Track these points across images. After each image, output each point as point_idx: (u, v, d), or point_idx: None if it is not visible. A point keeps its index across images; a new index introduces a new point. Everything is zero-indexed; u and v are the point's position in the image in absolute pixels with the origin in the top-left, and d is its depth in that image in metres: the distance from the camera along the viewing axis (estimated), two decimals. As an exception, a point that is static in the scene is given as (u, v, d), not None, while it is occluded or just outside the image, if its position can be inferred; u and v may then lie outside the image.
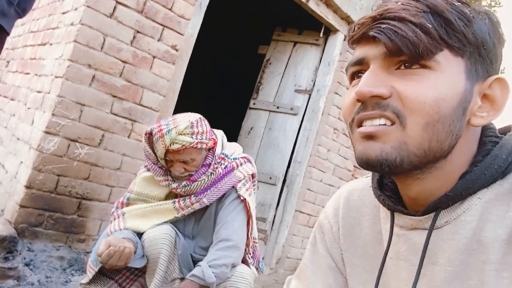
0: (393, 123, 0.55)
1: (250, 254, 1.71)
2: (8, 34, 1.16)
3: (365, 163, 0.57)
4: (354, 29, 0.60)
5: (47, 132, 2.16)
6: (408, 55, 0.54)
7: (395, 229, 0.63)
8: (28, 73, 2.71)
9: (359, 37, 0.58)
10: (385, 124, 0.55)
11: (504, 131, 0.62)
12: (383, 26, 0.54)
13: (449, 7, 0.55)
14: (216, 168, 1.67)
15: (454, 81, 0.55)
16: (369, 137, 0.56)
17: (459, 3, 0.56)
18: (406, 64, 0.55)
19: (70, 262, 2.24)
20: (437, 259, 0.58)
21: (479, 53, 0.56)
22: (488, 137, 0.59)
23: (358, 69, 0.60)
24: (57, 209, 2.26)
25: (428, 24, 0.53)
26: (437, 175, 0.57)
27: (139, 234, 1.64)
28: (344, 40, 3.64)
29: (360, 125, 0.57)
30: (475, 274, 0.54)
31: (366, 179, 0.75)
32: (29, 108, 2.48)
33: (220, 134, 1.78)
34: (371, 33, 0.56)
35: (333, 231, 0.76)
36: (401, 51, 0.53)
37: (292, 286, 0.79)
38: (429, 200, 0.59)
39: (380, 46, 0.56)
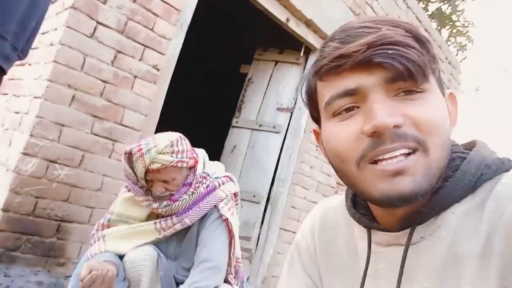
0: (414, 151, 0.54)
1: (232, 274, 1.69)
2: (6, 74, 1.17)
3: (397, 200, 0.53)
4: (335, 58, 0.56)
5: (25, 154, 2.12)
6: (417, 79, 0.54)
7: (372, 246, 0.64)
8: (6, 94, 2.66)
9: (352, 65, 0.55)
10: (407, 153, 0.53)
11: (469, 146, 0.63)
12: (390, 51, 0.53)
13: (419, 31, 0.57)
14: (198, 187, 1.66)
15: (441, 98, 0.59)
16: (397, 173, 0.53)
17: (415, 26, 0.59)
18: (404, 91, 0.55)
19: (49, 287, 2.16)
20: (414, 275, 0.58)
21: (438, 71, 0.60)
22: (455, 153, 0.61)
23: (349, 101, 0.57)
24: (35, 233, 2.20)
25: (419, 48, 0.55)
26: None
27: (120, 257, 1.61)
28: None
29: (373, 160, 0.55)
30: None
31: (339, 197, 0.75)
32: (6, 129, 2.43)
33: (201, 153, 1.78)
34: (377, 59, 0.53)
35: (309, 250, 0.75)
36: (410, 75, 0.53)
37: None
38: (405, 216, 0.59)
39: (378, 73, 0.54)
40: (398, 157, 0.54)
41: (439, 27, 12.06)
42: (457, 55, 12.71)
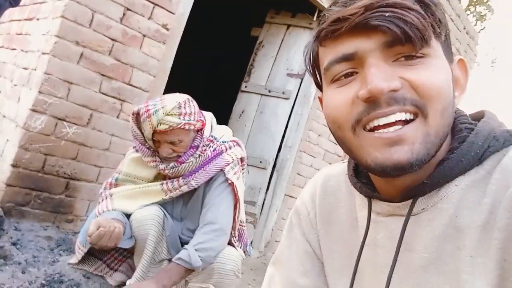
0: (415, 115, 0.52)
1: (235, 237, 1.72)
2: None
3: (392, 169, 0.52)
4: (332, 21, 0.54)
5: (33, 110, 2.12)
6: (415, 42, 0.52)
7: (372, 216, 0.63)
8: (14, 49, 2.64)
9: (350, 29, 0.53)
10: (404, 120, 0.52)
11: (477, 117, 0.61)
12: (387, 14, 0.51)
13: None
14: (205, 150, 1.65)
15: (445, 64, 0.56)
16: (395, 142, 0.52)
17: None
18: (405, 56, 0.53)
19: (57, 242, 2.22)
20: (413, 245, 0.58)
21: (445, 36, 0.57)
22: (463, 124, 0.59)
23: (347, 66, 0.56)
24: (45, 189, 2.23)
25: (421, 10, 0.52)
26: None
27: (127, 215, 1.63)
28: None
29: (368, 125, 0.54)
30: (451, 260, 0.54)
31: (342, 164, 0.74)
32: (15, 85, 2.42)
33: (209, 116, 1.76)
34: (374, 22, 0.51)
35: (310, 216, 0.75)
36: (408, 38, 0.51)
37: (268, 272, 0.78)
38: (405, 188, 0.59)
39: (376, 37, 0.53)
40: (396, 125, 0.52)
41: (459, -5, 11.61)
42: (475, 25, 12.30)
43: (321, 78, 0.63)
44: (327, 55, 0.57)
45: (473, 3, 12.47)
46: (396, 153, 0.52)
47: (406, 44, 0.52)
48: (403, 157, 0.52)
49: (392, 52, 0.53)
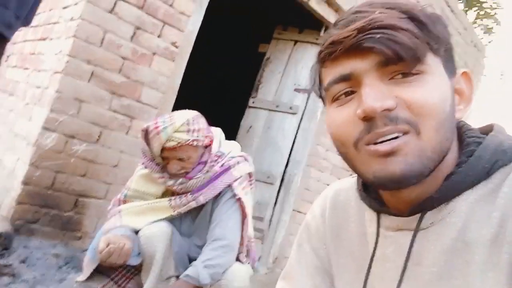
0: (406, 133, 0.53)
1: (244, 253, 1.71)
2: (9, 41, 1.19)
3: (389, 181, 0.54)
4: (329, 44, 0.57)
5: (45, 128, 2.15)
6: (408, 61, 0.53)
7: (381, 230, 0.63)
8: (27, 68, 2.69)
9: (345, 50, 0.55)
10: (397, 137, 0.53)
11: (486, 130, 0.62)
12: (377, 36, 0.53)
13: (419, 11, 0.56)
14: (213, 166, 1.66)
15: (443, 80, 0.57)
16: (391, 153, 0.54)
17: (420, 6, 0.57)
18: (402, 73, 0.55)
19: (66, 259, 2.22)
20: (422, 260, 0.58)
21: (446, 51, 0.58)
22: (471, 138, 0.59)
23: (345, 86, 0.57)
24: (54, 206, 2.25)
25: (414, 30, 0.54)
26: (430, 177, 0.57)
27: (136, 232, 1.63)
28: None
29: (369, 143, 0.55)
30: (460, 274, 0.54)
31: (352, 179, 0.75)
32: (27, 104, 2.47)
33: (217, 132, 1.78)
34: (365, 44, 0.53)
35: (319, 231, 0.75)
36: (400, 58, 0.53)
37: (278, 287, 0.78)
38: (413, 202, 0.59)
39: (370, 58, 0.54)
40: (394, 141, 0.54)
41: (466, 9, 11.64)
42: (482, 38, 12.28)
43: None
44: (327, 75, 0.59)
45: (480, 17, 12.51)
46: (391, 164, 0.53)
47: (399, 63, 0.54)
48: (398, 168, 0.53)
49: (387, 70, 0.55)
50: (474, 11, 12.29)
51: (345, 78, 0.57)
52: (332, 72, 0.58)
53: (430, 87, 0.54)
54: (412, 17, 0.55)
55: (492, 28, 12.65)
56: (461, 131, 0.61)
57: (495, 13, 12.34)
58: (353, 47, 0.54)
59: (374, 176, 0.55)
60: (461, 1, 11.28)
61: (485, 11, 12.31)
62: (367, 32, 0.54)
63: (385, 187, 0.57)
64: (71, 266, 2.20)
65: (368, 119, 0.54)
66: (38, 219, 2.21)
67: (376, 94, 0.54)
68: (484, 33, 12.57)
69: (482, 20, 12.51)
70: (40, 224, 2.22)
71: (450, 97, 0.57)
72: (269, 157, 3.67)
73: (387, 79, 0.55)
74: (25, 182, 2.14)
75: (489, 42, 12.80)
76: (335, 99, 0.59)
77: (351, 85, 0.57)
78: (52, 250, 2.20)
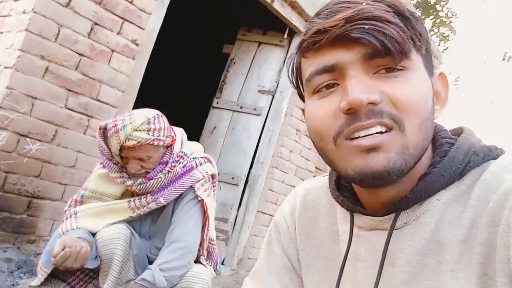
0: (390, 129, 0.53)
1: (204, 256, 1.68)
2: None
3: (370, 177, 0.53)
4: (313, 33, 0.55)
5: (-6, 126, 2.03)
6: (395, 55, 0.52)
7: (354, 230, 0.63)
8: (-25, 63, 2.54)
9: (331, 40, 0.53)
10: (382, 132, 0.52)
11: (457, 132, 0.62)
12: (366, 26, 0.52)
13: (403, 7, 0.55)
14: (174, 166, 1.62)
15: (425, 78, 0.56)
16: (371, 149, 0.52)
17: (403, 3, 0.56)
18: (386, 68, 0.54)
19: (18, 264, 2.11)
20: (395, 260, 0.57)
21: (427, 49, 0.58)
22: (444, 139, 0.59)
23: (328, 78, 0.56)
24: (5, 208, 2.13)
25: (400, 24, 0.53)
26: (406, 176, 0.56)
27: (93, 234, 1.57)
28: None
29: (349, 137, 0.54)
30: (432, 274, 0.54)
31: (323, 178, 0.74)
32: (-25, 100, 2.33)
33: (179, 132, 1.74)
34: (353, 34, 0.52)
35: (289, 230, 0.74)
36: (387, 52, 0.52)
37: (246, 287, 0.76)
38: (387, 202, 0.59)
39: (356, 49, 0.53)
40: (374, 134, 0.53)
41: (423, 17, 12.15)
42: (439, 45, 12.86)
43: (303, 89, 0.63)
44: (309, 66, 0.58)
45: (436, 25, 13.09)
46: (373, 160, 0.52)
47: (386, 56, 0.53)
48: (380, 165, 0.52)
49: (372, 64, 0.54)
50: (431, 19, 12.85)
51: (328, 69, 0.55)
52: (314, 63, 0.56)
53: (414, 84, 0.54)
54: (398, 12, 0.54)
55: (448, 36, 13.27)
56: (434, 131, 0.61)
57: (451, 22, 12.95)
58: (339, 37, 0.53)
59: (355, 171, 0.54)
60: (418, 9, 11.76)
61: (441, 20, 12.89)
62: (355, 23, 0.52)
63: (365, 183, 0.55)
64: (24, 271, 2.09)
65: (352, 112, 0.53)
66: (-14, 223, 2.08)
67: (362, 86, 0.52)
68: (440, 40, 13.16)
69: (438, 28, 13.09)
70: (-11, 228, 2.09)
71: (431, 96, 0.57)
72: (233, 158, 3.66)
73: (372, 73, 0.54)
74: (-28, 184, 2.01)
75: (445, 49, 13.41)
76: (316, 91, 0.57)
77: (334, 76, 0.55)
78: (2, 254, 2.08)
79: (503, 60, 14.97)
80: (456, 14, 13.02)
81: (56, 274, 1.60)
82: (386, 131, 0.53)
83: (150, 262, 1.63)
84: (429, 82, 0.57)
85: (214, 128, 3.78)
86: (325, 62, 0.55)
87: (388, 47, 0.51)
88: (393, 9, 0.54)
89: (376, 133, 0.53)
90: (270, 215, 3.76)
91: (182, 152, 1.67)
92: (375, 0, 0.55)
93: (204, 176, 1.65)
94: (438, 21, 12.90)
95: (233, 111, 3.73)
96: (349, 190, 0.65)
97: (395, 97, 0.53)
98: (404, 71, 0.54)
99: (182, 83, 6.37)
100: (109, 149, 1.57)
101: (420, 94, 0.54)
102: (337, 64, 0.54)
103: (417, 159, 0.55)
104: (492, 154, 0.57)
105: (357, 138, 0.53)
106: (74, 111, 2.28)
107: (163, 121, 1.61)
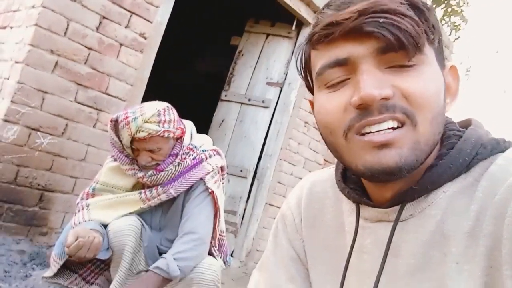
0: (403, 124, 0.52)
1: (216, 247, 1.69)
2: None
3: (381, 173, 0.52)
4: (325, 25, 0.54)
5: (6, 120, 2.06)
6: (409, 49, 0.51)
7: (360, 221, 0.63)
8: (-14, 58, 2.57)
9: (344, 33, 0.52)
10: (394, 127, 0.52)
11: (465, 125, 0.62)
12: (381, 20, 0.50)
13: None
14: (184, 158, 1.63)
15: (437, 72, 0.56)
16: (383, 145, 0.52)
17: None
18: (398, 63, 0.53)
19: (31, 256, 2.15)
20: (400, 252, 0.57)
21: (439, 41, 0.57)
22: (451, 131, 0.59)
23: (339, 71, 0.55)
24: (17, 201, 2.16)
25: (414, 17, 0.52)
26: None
27: (105, 226, 1.59)
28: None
29: (360, 132, 0.53)
30: (437, 266, 0.54)
31: (329, 170, 0.74)
32: (-14, 95, 2.36)
33: (189, 124, 1.75)
34: (367, 28, 0.51)
35: (295, 222, 0.74)
36: (401, 46, 0.51)
37: (253, 278, 0.77)
38: (394, 194, 0.58)
39: (370, 43, 0.52)
40: (386, 130, 0.52)
41: (434, 6, 11.96)
42: (450, 34, 12.67)
43: (312, 81, 0.62)
44: (320, 59, 0.57)
45: (447, 14, 12.88)
46: (385, 156, 0.52)
47: (399, 51, 0.52)
48: (392, 161, 0.52)
49: (385, 58, 0.53)
50: (442, 8, 12.66)
51: (340, 63, 0.54)
52: (326, 56, 0.55)
53: (427, 78, 0.53)
54: (412, 4, 0.53)
55: (459, 25, 13.06)
56: None
57: (462, 11, 12.74)
58: (353, 31, 0.52)
59: (365, 167, 0.53)
60: (428, -2, 11.57)
61: (452, 8, 12.69)
62: (369, 16, 0.51)
63: (375, 179, 0.55)
64: (36, 262, 2.12)
65: (364, 107, 0.52)
66: (0, 215, 2.12)
67: (374, 81, 0.52)
68: (451, 30, 12.97)
69: (449, 17, 12.89)
70: (3, 220, 2.13)
71: (443, 89, 0.56)
72: (241, 151, 3.66)
73: (384, 67, 0.53)
74: (-15, 177, 2.04)
75: (456, 38, 13.22)
76: (327, 84, 0.57)
77: (346, 70, 0.55)
78: (16, 246, 2.12)
79: (515, 49, 14.69)
80: (467, 3, 12.80)
81: (68, 265, 1.62)
82: (398, 127, 0.52)
83: (161, 254, 1.65)
84: (441, 76, 0.56)
85: (222, 121, 3.78)
86: (337, 55, 0.54)
87: (403, 41, 0.50)
88: (407, 1, 0.53)
89: (388, 128, 0.52)
90: (278, 207, 3.77)
91: (192, 145, 1.68)
92: None
93: (213, 168, 1.66)
94: (449, 10, 12.70)
95: (241, 103, 3.73)
96: (356, 182, 0.65)
97: (408, 92, 0.52)
98: (417, 65, 0.53)
99: (191, 75, 6.38)
100: (120, 141, 1.59)
101: (433, 89, 0.53)
102: (349, 57, 0.53)
103: (428, 154, 0.55)
104: (500, 147, 0.56)
105: (368, 133, 0.53)
106: (84, 105, 2.30)
107: (173, 113, 1.62)
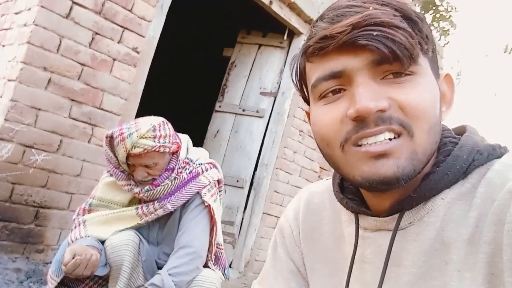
0: (399, 135, 0.52)
1: (212, 261, 1.69)
2: None
3: (379, 183, 0.53)
4: (319, 39, 0.54)
5: (0, 138, 2.05)
6: (403, 61, 0.52)
7: (360, 231, 0.63)
8: (-22, 77, 2.57)
9: (338, 46, 0.53)
10: (391, 139, 0.52)
11: (460, 131, 0.62)
12: (374, 33, 0.51)
13: (410, 9, 0.54)
14: (180, 173, 1.63)
15: (433, 81, 0.56)
16: (380, 155, 0.52)
17: (409, 4, 0.56)
18: (393, 73, 0.53)
19: (27, 274, 2.13)
20: (401, 261, 0.57)
21: (433, 51, 0.57)
22: (447, 138, 0.59)
23: (335, 84, 0.55)
24: (12, 219, 2.14)
25: (408, 29, 0.52)
26: None
27: (102, 242, 1.58)
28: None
29: (356, 143, 0.54)
30: (438, 274, 0.53)
31: (326, 181, 0.74)
32: (-20, 113, 2.35)
33: (185, 138, 1.75)
34: (361, 41, 0.51)
35: (293, 234, 0.74)
36: (395, 58, 0.51)
37: None
38: (392, 202, 0.58)
39: (364, 55, 0.52)
40: (383, 140, 0.52)
41: (422, 12, 12.11)
42: (439, 40, 12.82)
43: (308, 93, 0.63)
44: (315, 71, 0.57)
45: (436, 19, 13.05)
46: (383, 167, 0.52)
47: (394, 62, 0.52)
48: (389, 171, 0.52)
49: (380, 70, 0.53)
50: (430, 14, 12.82)
51: (335, 75, 0.54)
52: (321, 68, 0.56)
53: (422, 89, 0.53)
54: (406, 16, 0.53)
55: (448, 30, 13.22)
56: None
57: (450, 16, 12.91)
58: (347, 44, 0.52)
59: (363, 178, 0.54)
60: (417, 4, 11.73)
61: (441, 14, 12.85)
62: (362, 29, 0.51)
63: (373, 189, 0.55)
64: (33, 280, 2.10)
65: (360, 119, 0.52)
66: (-5, 234, 2.10)
67: (370, 93, 0.52)
68: (440, 35, 13.12)
69: (438, 22, 13.05)
70: (-2, 239, 2.11)
71: (438, 99, 0.56)
72: (237, 161, 3.66)
73: (379, 79, 0.53)
74: (-20, 196, 2.03)
75: (446, 43, 13.37)
76: (322, 96, 0.57)
77: (341, 82, 0.55)
78: (12, 264, 2.10)
79: (504, 52, 14.90)
80: (455, 8, 12.98)
81: (65, 282, 1.61)
82: (394, 137, 0.52)
83: (159, 268, 1.64)
84: (436, 85, 0.57)
85: (217, 132, 3.79)
86: (332, 68, 0.54)
87: (397, 53, 0.51)
88: (401, 12, 0.53)
89: (385, 139, 0.52)
90: (276, 216, 3.77)
91: (188, 159, 1.68)
92: (382, 4, 0.54)
93: (210, 182, 1.66)
94: (438, 15, 12.86)
95: (236, 114, 3.74)
96: (354, 193, 0.65)
97: (404, 103, 0.52)
98: (411, 76, 0.53)
99: (184, 88, 6.39)
100: (116, 157, 1.59)
101: (428, 99, 0.54)
102: (344, 70, 0.54)
103: (425, 163, 0.55)
104: (496, 153, 0.56)
105: (365, 144, 0.53)
106: (78, 121, 2.30)
107: (169, 128, 1.62)
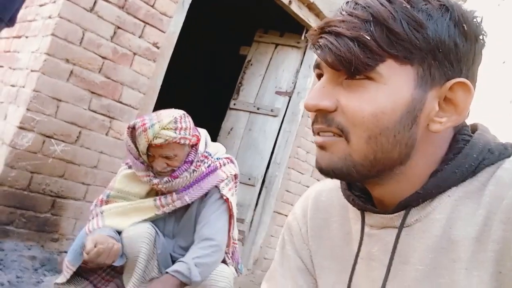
0: (339, 136, 0.56)
1: (229, 254, 1.70)
2: None
3: (319, 170, 0.59)
4: (314, 30, 0.59)
5: (21, 128, 2.09)
6: (344, 71, 0.54)
7: (366, 229, 0.63)
8: (1, 66, 2.61)
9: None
10: (333, 135, 0.57)
11: (472, 129, 0.61)
12: (321, 41, 0.54)
13: (396, 14, 0.52)
14: (199, 166, 1.65)
15: (398, 91, 0.53)
16: (321, 147, 0.58)
17: (410, 6, 0.53)
18: (348, 78, 0.55)
19: (42, 262, 2.17)
20: (408, 258, 0.57)
21: (433, 57, 0.53)
22: (462, 135, 0.59)
23: (318, 72, 0.60)
24: (30, 207, 2.18)
25: (366, 37, 0.51)
26: (398, 179, 0.58)
27: (119, 232, 1.61)
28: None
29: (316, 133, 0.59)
30: (446, 272, 0.53)
31: (335, 179, 0.74)
32: (2, 102, 2.39)
33: (203, 132, 1.77)
34: (313, 47, 0.57)
35: (301, 232, 0.74)
36: (337, 67, 0.54)
37: None
38: (398, 199, 0.58)
39: None
40: (326, 133, 0.57)
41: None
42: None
43: None
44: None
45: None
46: (321, 157, 0.58)
47: (341, 70, 0.54)
48: (323, 163, 0.58)
49: (337, 73, 0.56)
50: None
51: (317, 66, 0.59)
52: (315, 56, 0.61)
53: (366, 98, 0.53)
54: (379, 21, 0.52)
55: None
56: (456, 128, 0.60)
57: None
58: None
59: (315, 163, 0.61)
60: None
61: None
62: (319, 36, 0.55)
63: (323, 175, 0.60)
64: (47, 268, 2.14)
65: (314, 113, 0.58)
66: (13, 221, 2.14)
67: (318, 92, 0.56)
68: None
69: None
70: (15, 226, 2.15)
71: (398, 109, 0.53)
72: (250, 159, 3.68)
73: (343, 78, 0.56)
74: (0, 183, 2.07)
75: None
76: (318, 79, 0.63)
77: (321, 72, 0.60)
78: (27, 252, 2.14)
79: (521, 60, 14.66)
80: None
81: (79, 272, 1.63)
82: (334, 135, 0.57)
83: (173, 261, 1.65)
84: (408, 96, 0.54)
85: (231, 129, 3.81)
86: (317, 59, 0.59)
87: (335, 64, 0.54)
88: (375, 17, 0.52)
89: (328, 136, 0.57)
90: (286, 215, 3.77)
91: (206, 152, 1.70)
92: (364, 6, 0.53)
93: (228, 176, 1.68)
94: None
95: (250, 112, 3.75)
96: (361, 189, 0.65)
97: (344, 110, 0.55)
98: (368, 80, 0.53)
99: (200, 84, 6.42)
100: (137, 148, 1.61)
101: (370, 110, 0.53)
102: (320, 64, 0.58)
103: (373, 169, 0.56)
104: (507, 152, 0.56)
105: (316, 134, 0.59)
106: (97, 113, 2.33)
107: (189, 121, 1.64)
